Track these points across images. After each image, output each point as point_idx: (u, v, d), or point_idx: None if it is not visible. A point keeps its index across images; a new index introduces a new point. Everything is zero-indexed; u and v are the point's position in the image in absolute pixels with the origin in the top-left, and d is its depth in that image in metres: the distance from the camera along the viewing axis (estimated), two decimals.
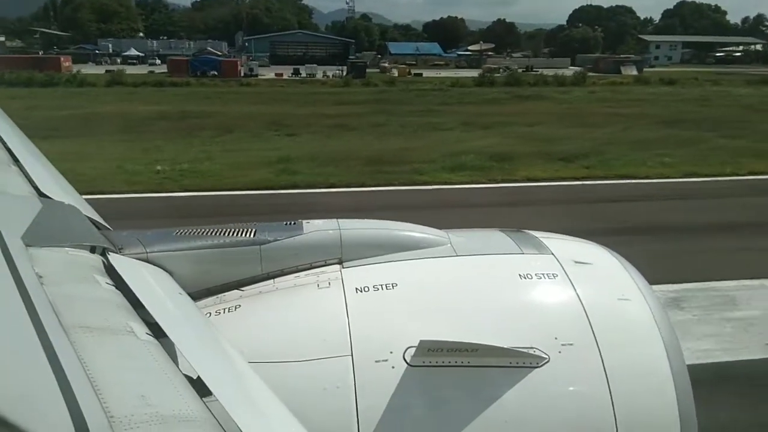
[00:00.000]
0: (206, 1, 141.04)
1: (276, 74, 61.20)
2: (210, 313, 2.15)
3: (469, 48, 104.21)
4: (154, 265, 2.17)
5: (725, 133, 22.90)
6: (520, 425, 1.93)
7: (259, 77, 59.87)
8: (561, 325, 2.08)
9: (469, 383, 1.94)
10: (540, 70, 71.69)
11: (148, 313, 1.55)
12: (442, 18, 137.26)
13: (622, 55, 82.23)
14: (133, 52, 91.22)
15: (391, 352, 1.96)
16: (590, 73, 71.05)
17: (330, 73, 61.60)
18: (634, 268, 2.37)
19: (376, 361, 1.95)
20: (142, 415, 1.02)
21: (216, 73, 58.34)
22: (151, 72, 61.27)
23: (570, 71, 65.48)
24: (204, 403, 1.19)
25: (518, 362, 1.97)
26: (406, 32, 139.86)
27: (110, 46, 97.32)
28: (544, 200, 13.75)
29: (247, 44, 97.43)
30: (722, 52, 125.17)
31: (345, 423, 1.87)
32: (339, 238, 2.39)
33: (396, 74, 65.21)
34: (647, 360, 2.08)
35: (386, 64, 75.80)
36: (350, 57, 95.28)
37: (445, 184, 14.77)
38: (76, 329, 1.25)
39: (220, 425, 1.13)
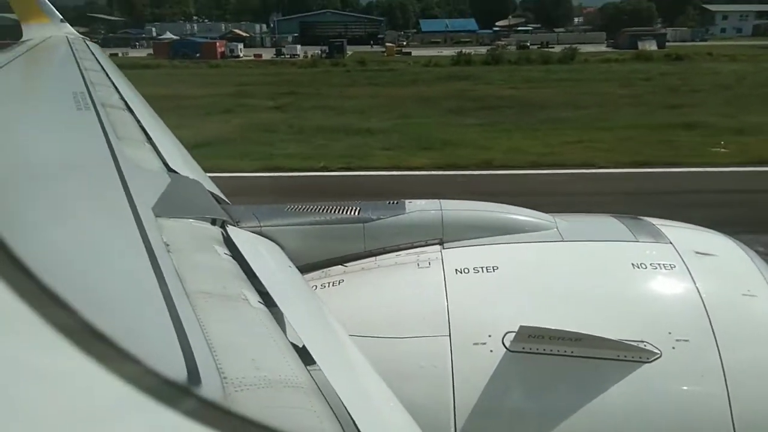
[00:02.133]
0: None
1: (255, 55, 61.61)
2: (316, 287, 2.23)
3: (498, 24, 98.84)
4: (267, 238, 2.29)
5: (507, 120, 20.10)
6: (625, 421, 1.84)
7: (241, 58, 60.71)
8: (676, 319, 1.97)
9: (572, 374, 1.87)
10: (554, 46, 66.66)
11: (261, 284, 1.63)
12: None
13: (643, 29, 74.33)
14: (168, 35, 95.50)
15: (489, 336, 1.93)
16: (608, 49, 65.30)
17: (310, 53, 61.08)
18: (764, 262, 2.21)
19: (474, 344, 1.93)
20: (251, 378, 1.08)
21: (198, 54, 59.84)
22: (150, 55, 63.98)
23: (596, 48, 59.71)
24: (308, 370, 1.23)
25: (626, 356, 1.87)
26: (452, 7, 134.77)
27: (153, 30, 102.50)
28: None
29: (272, 25, 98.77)
30: None
31: (441, 401, 1.87)
32: (440, 218, 2.41)
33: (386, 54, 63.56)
34: None
35: (389, 44, 73.81)
36: (379, 36, 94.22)
37: None
38: (198, 294, 1.34)
39: (322, 393, 1.16)
